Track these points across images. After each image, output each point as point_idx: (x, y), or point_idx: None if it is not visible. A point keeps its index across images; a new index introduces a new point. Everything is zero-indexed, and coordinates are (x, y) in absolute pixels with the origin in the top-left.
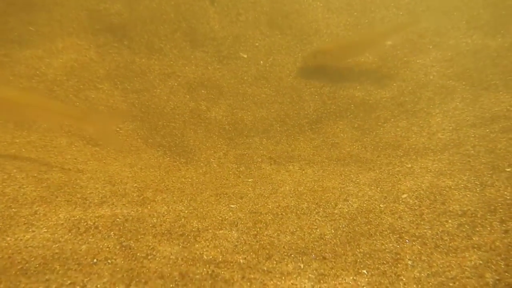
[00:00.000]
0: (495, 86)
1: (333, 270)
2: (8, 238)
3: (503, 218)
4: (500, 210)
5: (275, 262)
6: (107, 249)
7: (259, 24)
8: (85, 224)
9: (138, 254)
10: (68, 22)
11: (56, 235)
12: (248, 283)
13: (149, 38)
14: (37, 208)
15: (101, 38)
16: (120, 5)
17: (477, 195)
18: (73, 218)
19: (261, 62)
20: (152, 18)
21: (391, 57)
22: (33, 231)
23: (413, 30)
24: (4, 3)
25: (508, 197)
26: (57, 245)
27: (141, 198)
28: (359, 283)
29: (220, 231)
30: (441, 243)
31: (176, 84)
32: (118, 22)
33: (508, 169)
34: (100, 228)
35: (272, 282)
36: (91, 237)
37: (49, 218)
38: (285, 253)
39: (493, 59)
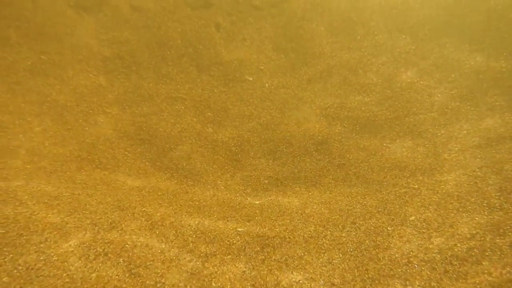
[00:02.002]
0: (500, 107)
1: None
2: (20, 267)
3: None
4: (510, 234)
5: None
6: (117, 277)
7: (264, 48)
8: (94, 251)
9: (147, 282)
10: (78, 50)
11: (66, 263)
12: None
13: (156, 64)
14: (48, 235)
15: (110, 64)
16: (128, 33)
17: (485, 217)
18: (83, 245)
19: (267, 84)
20: (160, 44)
21: (395, 78)
22: (44, 260)
23: (416, 52)
24: (17, 35)
25: None
26: (67, 274)
27: (149, 222)
28: None
29: (228, 256)
30: (450, 268)
31: (183, 107)
32: (126, 49)
33: None
34: (109, 255)
35: None
36: (100, 264)
37: (60, 246)
38: (293, 279)
39: (497, 80)
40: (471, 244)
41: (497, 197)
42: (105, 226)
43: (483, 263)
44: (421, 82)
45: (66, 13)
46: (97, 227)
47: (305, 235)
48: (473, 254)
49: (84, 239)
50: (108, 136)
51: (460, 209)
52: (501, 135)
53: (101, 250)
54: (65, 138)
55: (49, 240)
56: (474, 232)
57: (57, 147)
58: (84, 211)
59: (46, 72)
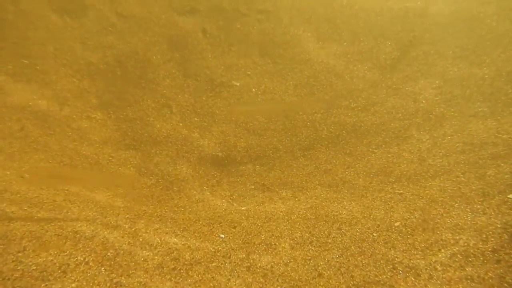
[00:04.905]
0: (483, 113)
1: None
2: None
3: (495, 247)
4: (492, 239)
5: None
6: (98, 287)
7: (251, 54)
8: (75, 260)
9: None
10: (62, 54)
11: (45, 273)
12: None
13: (142, 69)
14: (26, 244)
15: (94, 69)
16: (113, 38)
17: (468, 223)
18: (63, 254)
19: (253, 90)
20: (145, 49)
21: (381, 84)
22: (22, 269)
23: (401, 59)
24: None
25: (499, 225)
26: (45, 284)
27: (133, 230)
28: None
29: (213, 264)
30: (434, 274)
31: (169, 112)
32: (111, 53)
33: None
34: (90, 263)
35: None
36: (81, 274)
37: (39, 255)
38: (278, 287)
39: (479, 87)
40: (454, 249)
41: (480, 202)
42: (86, 234)
43: (467, 269)
44: (406, 88)
45: (49, 17)
46: (78, 235)
47: (291, 241)
48: (456, 260)
49: (64, 247)
50: (92, 142)
51: (444, 215)
52: (484, 140)
53: (82, 259)
54: (47, 143)
55: (27, 249)
56: (457, 237)
57: (38, 153)
58: (65, 219)
59: (28, 76)
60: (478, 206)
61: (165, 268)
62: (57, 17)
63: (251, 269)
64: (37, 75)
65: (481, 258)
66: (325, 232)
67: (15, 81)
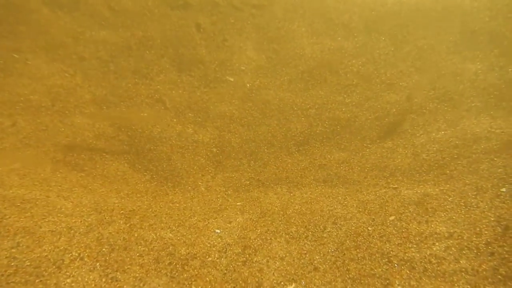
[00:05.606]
0: (476, 108)
1: None
2: None
3: (489, 240)
4: (485, 232)
5: None
6: (93, 282)
7: (245, 49)
8: (70, 255)
9: (125, 286)
10: (54, 49)
11: (39, 269)
12: None
13: (135, 64)
14: (20, 240)
15: (87, 64)
16: (106, 33)
17: (462, 216)
18: (57, 249)
19: (248, 85)
20: (139, 44)
21: (375, 79)
22: (16, 265)
23: (395, 54)
24: None
25: (492, 219)
26: (40, 280)
27: (128, 225)
28: None
29: (209, 259)
30: (429, 267)
31: (163, 108)
32: (104, 48)
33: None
34: (85, 259)
35: None
36: (76, 269)
37: (33, 250)
38: (274, 281)
39: (472, 82)
40: (449, 242)
41: (473, 196)
42: (81, 230)
43: (461, 262)
44: (400, 83)
45: (40, 11)
46: (72, 231)
47: (287, 236)
48: (451, 252)
49: (58, 243)
50: (85, 137)
51: (438, 208)
52: (477, 135)
53: (76, 254)
54: (40, 139)
55: (21, 245)
56: (451, 230)
57: (30, 149)
58: (59, 214)
59: (19, 71)
60: (472, 200)
61: (160, 263)
62: (48, 10)
63: (247, 263)
64: (29, 70)
65: (475, 251)
66: (321, 226)
67: (6, 76)
